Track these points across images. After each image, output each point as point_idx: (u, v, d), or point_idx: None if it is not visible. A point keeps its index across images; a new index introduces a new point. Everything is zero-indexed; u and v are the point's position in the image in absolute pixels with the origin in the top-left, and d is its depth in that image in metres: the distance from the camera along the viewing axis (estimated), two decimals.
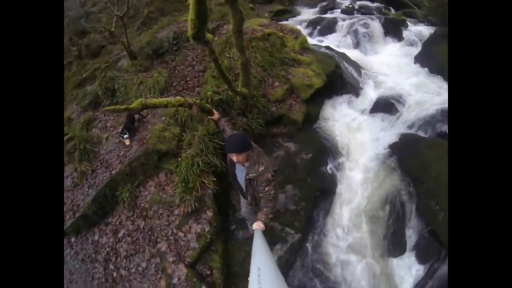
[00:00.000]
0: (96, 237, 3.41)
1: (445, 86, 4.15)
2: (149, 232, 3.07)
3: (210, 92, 3.33)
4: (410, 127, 3.87)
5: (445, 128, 3.51)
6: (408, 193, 3.17)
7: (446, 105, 3.62)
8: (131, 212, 3.32)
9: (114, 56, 5.74)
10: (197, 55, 4.95)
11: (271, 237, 2.90)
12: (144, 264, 2.89)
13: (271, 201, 2.11)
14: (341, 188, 3.57)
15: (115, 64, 5.51)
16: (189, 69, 4.79)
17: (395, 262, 2.73)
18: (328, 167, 3.82)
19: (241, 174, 2.20)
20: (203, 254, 2.76)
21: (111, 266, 3.10)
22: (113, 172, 3.50)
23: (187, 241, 2.81)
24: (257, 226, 2.02)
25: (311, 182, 3.52)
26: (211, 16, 5.53)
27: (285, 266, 2.75)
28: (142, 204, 3.29)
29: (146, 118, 3.98)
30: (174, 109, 3.84)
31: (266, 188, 2.05)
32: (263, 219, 2.07)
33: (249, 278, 1.30)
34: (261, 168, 2.02)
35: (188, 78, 4.67)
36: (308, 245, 2.94)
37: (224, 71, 2.52)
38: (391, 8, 6.47)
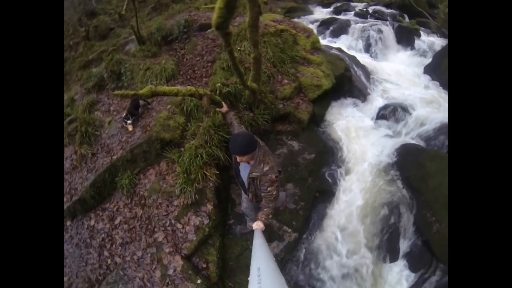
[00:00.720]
0: (92, 222, 3.41)
1: None
2: (147, 221, 3.06)
3: (219, 84, 3.32)
4: (413, 137, 3.90)
5: (446, 140, 3.55)
6: (406, 203, 3.22)
7: None
8: (129, 200, 3.32)
9: (122, 39, 5.69)
10: (207, 45, 4.92)
11: (269, 235, 2.93)
12: (139, 253, 2.88)
13: (272, 202, 2.12)
14: (340, 191, 3.61)
15: (123, 47, 5.46)
16: (197, 58, 4.76)
17: (387, 267, 2.79)
18: (329, 169, 3.85)
19: (244, 171, 2.19)
20: (200, 247, 2.76)
21: (106, 253, 3.10)
22: (114, 157, 3.50)
23: (185, 233, 2.81)
24: (257, 226, 2.02)
25: (312, 183, 3.56)
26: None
27: (279, 264, 2.78)
28: (141, 192, 3.28)
29: (151, 105, 3.98)
30: (180, 98, 3.82)
31: (268, 188, 2.05)
32: (263, 219, 2.08)
33: (249, 278, 1.30)
34: (266, 168, 2.01)
35: (196, 68, 4.65)
36: (304, 245, 2.98)
37: (238, 64, 2.51)
38: (405, 15, 6.43)
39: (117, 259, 2.99)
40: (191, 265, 2.66)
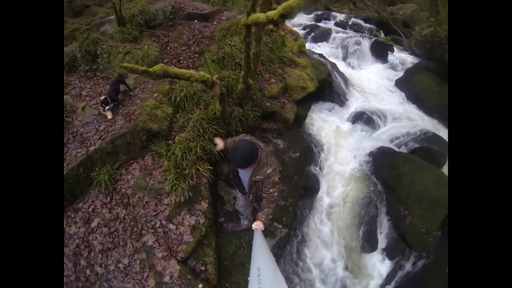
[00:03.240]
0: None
1: (417, 112, 4.80)
2: (132, 223, 2.77)
3: (216, 76, 3.30)
4: (385, 141, 4.37)
5: (415, 145, 4.06)
6: (382, 199, 3.60)
7: (419, 127, 4.20)
8: (108, 198, 2.99)
9: (98, 19, 5.23)
10: (194, 35, 4.82)
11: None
12: (125, 261, 2.58)
13: (273, 203, 2.12)
14: (323, 188, 3.86)
15: (98, 28, 5.02)
16: (183, 48, 4.64)
17: (367, 257, 3.09)
18: (312, 167, 4.09)
19: (245, 174, 2.16)
20: (196, 249, 2.58)
21: (83, 262, 2.69)
22: (91, 148, 3.11)
23: (179, 234, 2.61)
24: (257, 226, 2.02)
25: (298, 180, 3.73)
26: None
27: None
28: (123, 190, 2.98)
29: (134, 92, 3.75)
30: (168, 87, 3.70)
31: (270, 190, 2.05)
32: (263, 219, 2.07)
33: (249, 278, 1.31)
34: (269, 171, 1.99)
35: (181, 58, 4.52)
36: (294, 240, 3.12)
37: (251, 58, 2.54)
38: (381, 31, 7.15)
39: (98, 269, 2.62)
40: (188, 269, 2.48)
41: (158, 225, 2.70)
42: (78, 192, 3.09)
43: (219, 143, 2.41)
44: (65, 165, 3.10)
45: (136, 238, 2.67)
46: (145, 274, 2.47)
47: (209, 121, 3.17)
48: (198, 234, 2.62)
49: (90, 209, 2.98)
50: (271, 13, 1.55)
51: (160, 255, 2.53)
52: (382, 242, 3.19)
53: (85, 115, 3.64)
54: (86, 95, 4.15)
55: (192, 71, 2.30)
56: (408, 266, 2.82)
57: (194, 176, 2.84)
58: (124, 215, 2.85)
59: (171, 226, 2.68)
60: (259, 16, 1.77)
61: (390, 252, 3.08)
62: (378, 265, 3.00)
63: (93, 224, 2.87)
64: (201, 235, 2.62)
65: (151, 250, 2.57)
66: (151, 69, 1.92)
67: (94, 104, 3.73)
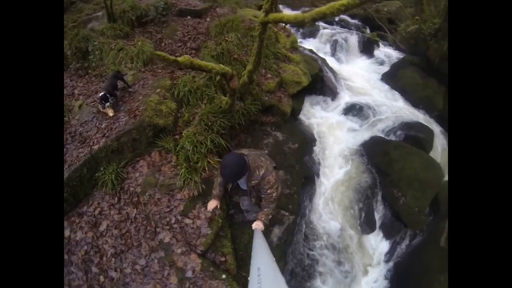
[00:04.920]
0: (67, 233, 2.84)
1: (404, 103, 5.22)
2: (144, 222, 2.73)
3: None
4: (376, 131, 4.72)
5: (404, 134, 4.44)
6: (376, 183, 3.92)
7: (406, 117, 4.58)
8: (116, 199, 2.91)
9: (85, 15, 5.09)
10: (188, 31, 4.87)
11: (270, 220, 3.10)
12: (142, 261, 2.53)
13: (272, 203, 2.20)
14: (322, 176, 4.12)
15: (85, 25, 4.89)
16: (179, 44, 4.67)
17: (367, 237, 3.38)
18: (310, 157, 4.33)
19: (241, 182, 2.26)
20: (214, 241, 2.62)
21: (95, 269, 2.58)
22: (95, 147, 3.03)
23: (197, 227, 2.63)
24: (257, 225, 2.09)
25: (299, 169, 3.96)
26: None
27: (284, 245, 3.05)
28: (132, 188, 2.92)
29: (133, 88, 3.75)
30: (170, 82, 3.76)
31: (268, 191, 2.12)
32: (263, 219, 2.16)
33: (249, 278, 1.34)
34: (262, 172, 2.05)
35: (177, 54, 4.55)
36: (301, 225, 3.34)
37: (262, 53, 2.67)
38: (367, 27, 7.57)
39: (113, 274, 2.53)
40: (209, 261, 2.52)
41: (173, 221, 2.71)
42: (81, 195, 3.00)
43: (215, 202, 2.41)
44: (66, 166, 3.00)
45: (151, 237, 2.64)
46: (166, 272, 2.45)
47: (216, 114, 3.27)
48: (216, 225, 2.67)
49: (97, 212, 2.89)
50: (300, 15, 1.70)
51: (179, 251, 2.53)
52: (379, 223, 3.50)
53: (82, 114, 3.59)
54: (79, 93, 4.08)
55: (212, 64, 2.41)
56: (405, 244, 3.16)
57: (206, 169, 2.92)
58: (135, 214, 2.80)
59: (187, 221, 2.70)
60: (284, 16, 1.93)
61: (387, 231, 3.40)
62: (378, 244, 3.31)
63: (102, 228, 2.79)
64: (218, 227, 2.68)
65: (169, 247, 2.55)
66: (179, 59, 2.02)
67: (92, 102, 3.69)
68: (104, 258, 2.62)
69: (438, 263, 2.85)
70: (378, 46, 6.58)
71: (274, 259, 1.55)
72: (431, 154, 4.20)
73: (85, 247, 2.70)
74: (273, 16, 2.05)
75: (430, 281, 2.82)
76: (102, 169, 3.02)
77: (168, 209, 2.78)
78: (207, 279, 2.39)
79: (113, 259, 2.59)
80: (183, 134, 3.22)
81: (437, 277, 2.78)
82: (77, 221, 2.88)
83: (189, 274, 2.42)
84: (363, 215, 3.61)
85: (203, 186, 2.83)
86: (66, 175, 2.90)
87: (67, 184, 2.88)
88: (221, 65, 2.43)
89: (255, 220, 2.16)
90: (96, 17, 4.99)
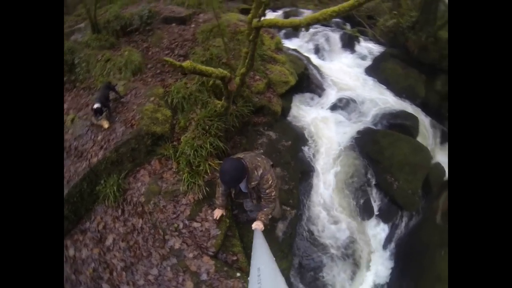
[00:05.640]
0: (71, 252, 2.77)
1: (388, 94, 5.50)
2: (152, 231, 2.73)
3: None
4: (365, 122, 4.95)
5: (390, 122, 4.69)
6: (369, 171, 4.13)
7: (391, 107, 4.85)
8: (120, 211, 2.90)
9: (67, 28, 5.03)
10: (175, 38, 4.92)
11: (273, 217, 3.19)
12: (154, 271, 2.51)
13: (272, 202, 2.26)
14: (317, 170, 4.28)
15: (67, 37, 4.84)
16: (166, 52, 4.71)
17: (367, 223, 3.57)
18: (305, 153, 4.49)
19: (242, 185, 2.31)
20: (224, 241, 2.68)
21: (106, 286, 2.53)
22: (93, 160, 3.01)
23: (206, 230, 2.67)
24: (257, 226, 2.15)
25: (295, 165, 4.10)
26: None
27: (289, 239, 3.17)
28: (135, 199, 2.94)
29: (126, 98, 3.76)
30: (162, 90, 3.80)
31: (267, 191, 2.18)
32: (263, 219, 2.21)
33: (249, 278, 1.35)
34: (260, 171, 2.12)
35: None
36: (303, 218, 3.47)
37: (255, 56, 2.78)
38: (348, 24, 7.90)
39: None
40: (221, 262, 2.57)
41: (181, 226, 2.74)
42: (82, 211, 2.97)
43: (220, 211, 2.59)
44: (64, 183, 2.94)
45: (161, 245, 2.64)
46: (180, 279, 2.45)
47: (211, 118, 3.36)
48: (224, 226, 2.73)
49: (100, 227, 2.86)
50: (296, 21, 1.84)
51: (191, 255, 2.55)
52: (376, 209, 3.70)
53: (75, 128, 3.56)
54: (69, 108, 4.03)
55: (212, 68, 2.50)
56: (403, 225, 3.36)
57: (208, 171, 3.00)
58: (142, 224, 2.79)
59: (196, 224, 2.74)
60: (278, 20, 2.06)
61: (385, 216, 3.60)
62: (378, 229, 3.49)
63: (108, 242, 2.75)
64: (226, 227, 2.74)
65: (180, 253, 2.57)
66: (184, 64, 2.12)
67: (84, 115, 3.67)
68: (114, 273, 2.58)
69: (436, 239, 3.07)
70: (359, 41, 6.90)
71: (274, 259, 1.56)
72: (418, 139, 4.47)
73: (93, 264, 2.65)
74: (267, 21, 2.18)
75: (431, 256, 3.04)
76: (102, 182, 3.00)
77: (174, 215, 2.82)
78: (222, 279, 2.44)
79: (124, 273, 2.56)
80: (181, 140, 3.28)
81: (438, 252, 2.99)
82: (81, 238, 2.84)
83: (204, 277, 2.45)
84: (360, 202, 3.79)
85: (206, 188, 2.90)
86: (65, 191, 2.85)
87: (68, 200, 2.84)
88: (219, 69, 2.53)
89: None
90: (79, 29, 4.96)
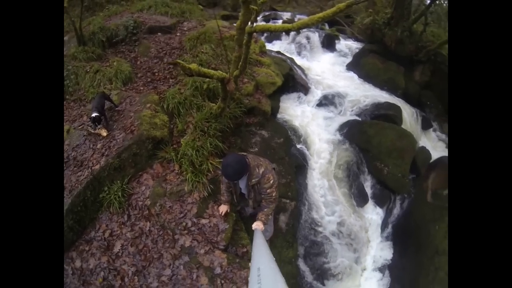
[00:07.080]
0: (78, 263, 2.73)
1: (370, 87, 5.91)
2: (160, 232, 2.80)
3: (207, 80, 3.66)
4: (351, 115, 5.29)
5: (375, 113, 5.05)
6: (360, 160, 4.43)
7: (374, 99, 5.23)
8: (125, 216, 2.93)
9: None
10: (162, 47, 5.06)
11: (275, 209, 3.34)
12: (167, 271, 2.55)
13: (272, 203, 2.29)
14: (310, 163, 4.53)
15: None
16: (155, 61, 4.84)
17: (363, 209, 3.83)
18: (297, 148, 4.74)
19: (242, 182, 2.33)
20: (232, 235, 2.77)
21: None
22: (95, 168, 3.03)
23: (214, 225, 2.77)
24: (257, 226, 2.17)
25: (289, 160, 4.32)
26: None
27: (292, 229, 3.36)
28: (140, 203, 3.00)
29: (121, 107, 3.84)
30: (157, 97, 3.92)
31: (268, 191, 2.21)
32: (263, 219, 2.25)
33: (249, 278, 1.36)
34: (262, 170, 2.16)
35: (155, 70, 4.72)
36: (302, 209, 3.67)
37: (247, 59, 2.98)
38: (326, 24, 8.37)
39: None
40: (233, 255, 2.66)
41: (190, 224, 2.83)
42: (87, 221, 2.96)
43: (225, 206, 2.69)
44: (66, 193, 2.95)
45: (171, 245, 2.71)
46: (194, 275, 2.51)
47: (208, 120, 3.52)
48: (231, 219, 2.86)
49: (107, 234, 2.87)
50: (287, 25, 2.09)
51: (202, 251, 2.64)
52: (371, 194, 3.98)
53: (72, 138, 3.59)
54: None
55: (213, 71, 2.68)
56: (397, 208, 3.66)
57: (210, 169, 3.15)
58: (149, 227, 2.85)
59: (204, 221, 2.85)
60: (271, 26, 2.29)
61: (379, 201, 3.89)
62: (373, 213, 3.76)
63: (116, 249, 2.76)
64: (233, 220, 2.87)
65: (191, 250, 2.65)
66: (191, 66, 2.30)
67: (79, 126, 3.70)
68: (126, 279, 2.60)
69: (429, 215, 3.38)
70: (339, 40, 7.36)
71: (274, 259, 1.58)
72: (402, 126, 4.85)
73: (102, 273, 2.65)
74: (260, 26, 2.40)
75: (427, 232, 3.33)
76: (106, 188, 3.03)
77: (182, 214, 2.91)
78: (236, 271, 2.53)
79: (136, 277, 2.59)
80: (181, 142, 3.41)
81: (432, 227, 3.29)
82: (87, 248, 2.83)
83: (217, 270, 2.53)
84: (354, 190, 4.06)
85: (211, 186, 3.03)
86: (68, 201, 2.85)
87: (71, 210, 2.82)
88: (219, 71, 2.71)
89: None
90: (64, 41, 4.96)
